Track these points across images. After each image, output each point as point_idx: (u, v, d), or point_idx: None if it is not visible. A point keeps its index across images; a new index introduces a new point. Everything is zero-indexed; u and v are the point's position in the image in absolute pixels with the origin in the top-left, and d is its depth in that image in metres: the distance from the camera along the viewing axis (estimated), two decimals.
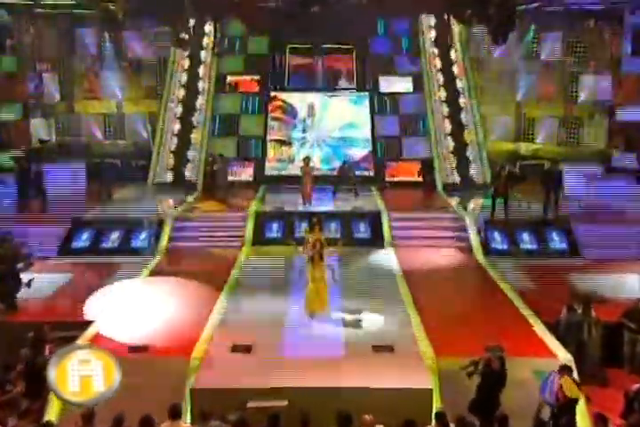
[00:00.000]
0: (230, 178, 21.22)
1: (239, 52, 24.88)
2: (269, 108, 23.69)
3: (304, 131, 23.44)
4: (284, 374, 10.00)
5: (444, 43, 24.22)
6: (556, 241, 17.20)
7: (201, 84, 23.94)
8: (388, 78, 24.21)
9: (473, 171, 22.44)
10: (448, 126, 23.12)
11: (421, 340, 11.38)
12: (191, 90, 23.84)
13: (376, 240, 17.43)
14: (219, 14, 23.36)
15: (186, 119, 23.39)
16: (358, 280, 14.31)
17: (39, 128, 25.06)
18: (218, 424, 8.40)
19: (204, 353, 10.90)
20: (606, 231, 16.78)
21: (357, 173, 21.41)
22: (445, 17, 22.91)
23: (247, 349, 11.00)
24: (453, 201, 19.71)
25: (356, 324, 12.18)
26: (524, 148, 24.95)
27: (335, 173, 21.32)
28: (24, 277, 13.05)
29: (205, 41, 24.50)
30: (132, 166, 23.33)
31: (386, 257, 16.49)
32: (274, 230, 17.73)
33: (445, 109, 23.42)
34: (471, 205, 18.40)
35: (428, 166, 22.15)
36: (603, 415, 8.64)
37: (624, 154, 22.89)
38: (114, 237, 17.26)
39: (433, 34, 24.56)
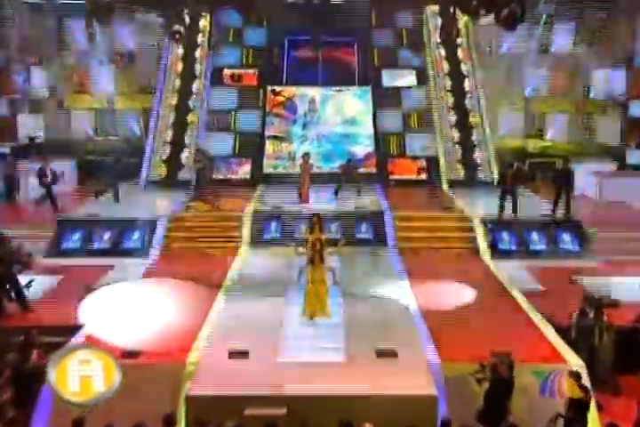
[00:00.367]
0: (221, 176, 20.74)
1: (236, 45, 24.24)
2: (267, 102, 22.98)
3: (304, 127, 22.76)
4: (282, 380, 9.82)
5: (449, 35, 23.63)
6: (567, 242, 16.70)
7: (196, 78, 23.29)
8: (391, 72, 23.67)
9: (480, 169, 21.90)
10: (453, 122, 22.58)
11: (426, 344, 11.02)
12: (186, 84, 23.20)
13: (379, 241, 17.02)
14: (215, 3, 22.85)
15: (180, 114, 22.71)
16: (360, 282, 14.10)
17: (28, 124, 24.54)
18: None
19: (200, 358, 10.59)
20: (620, 231, 16.38)
21: (360, 170, 20.78)
22: (451, 9, 22.58)
23: (244, 354, 10.70)
24: (459, 200, 19.20)
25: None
26: (533, 145, 24.53)
27: (337, 170, 20.55)
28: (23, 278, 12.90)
29: (200, 33, 23.85)
30: (123, 164, 22.54)
31: (389, 258, 16.14)
32: (272, 231, 17.34)
33: (451, 103, 22.86)
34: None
35: (432, 163, 21.74)
36: (615, 425, 8.39)
37: (638, 150, 22.57)
38: (106, 238, 16.83)
39: (438, 26, 24.00)
